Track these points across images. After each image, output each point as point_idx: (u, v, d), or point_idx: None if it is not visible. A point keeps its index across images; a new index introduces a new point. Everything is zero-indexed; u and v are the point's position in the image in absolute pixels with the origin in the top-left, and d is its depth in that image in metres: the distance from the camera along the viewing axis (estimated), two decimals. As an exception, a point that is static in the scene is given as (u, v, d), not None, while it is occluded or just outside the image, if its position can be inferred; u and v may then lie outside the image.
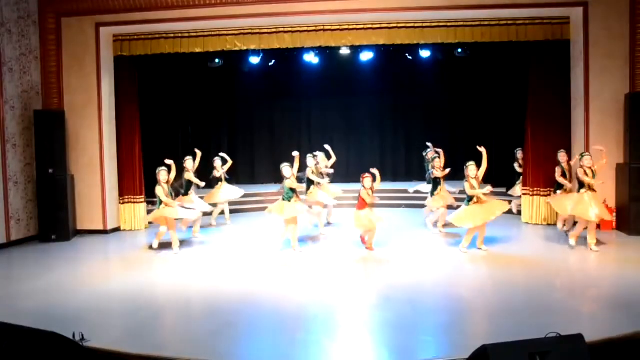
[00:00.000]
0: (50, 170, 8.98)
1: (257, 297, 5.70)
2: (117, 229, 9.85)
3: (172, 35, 9.78)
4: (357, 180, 14.55)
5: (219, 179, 10.04)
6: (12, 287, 6.35)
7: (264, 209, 8.33)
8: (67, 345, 3.81)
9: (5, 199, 8.64)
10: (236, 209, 11.91)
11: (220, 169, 10.04)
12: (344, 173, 14.63)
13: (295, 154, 8.00)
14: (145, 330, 4.80)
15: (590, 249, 7.27)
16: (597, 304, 5.32)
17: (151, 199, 9.76)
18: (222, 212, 10.38)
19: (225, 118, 14.42)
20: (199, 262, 7.41)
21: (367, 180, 7.46)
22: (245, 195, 12.21)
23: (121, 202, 10.02)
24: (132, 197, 10.04)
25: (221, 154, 10.32)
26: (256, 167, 14.75)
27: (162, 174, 7.93)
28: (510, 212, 8.72)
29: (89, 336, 4.24)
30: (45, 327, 3.76)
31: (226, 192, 10.18)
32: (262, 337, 4.63)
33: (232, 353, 4.30)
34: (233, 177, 14.45)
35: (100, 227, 9.58)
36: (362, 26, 9.49)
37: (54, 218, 9.02)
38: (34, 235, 9.13)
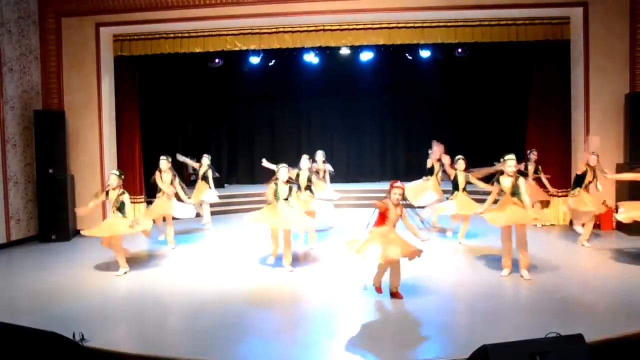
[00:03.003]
0: (50, 170, 8.98)
1: (257, 298, 5.70)
2: (117, 229, 9.84)
3: (172, 35, 9.79)
4: (356, 180, 14.67)
5: (200, 178, 9.78)
6: (12, 287, 6.34)
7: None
8: (67, 345, 3.82)
9: (5, 199, 8.63)
10: (236, 209, 11.93)
11: (206, 167, 9.76)
12: (344, 173, 14.67)
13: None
14: (146, 330, 4.80)
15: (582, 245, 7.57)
16: (597, 304, 5.31)
17: (151, 199, 9.76)
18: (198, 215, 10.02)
19: (225, 118, 14.43)
20: (199, 263, 7.41)
21: (396, 190, 5.31)
22: (245, 196, 12.24)
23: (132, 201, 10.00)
24: (132, 197, 9.95)
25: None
26: (256, 167, 14.71)
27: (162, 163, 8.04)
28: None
29: (89, 336, 4.24)
30: (45, 327, 3.76)
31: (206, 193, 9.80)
32: (262, 337, 4.62)
33: (232, 353, 4.30)
34: (233, 178, 14.52)
35: (100, 227, 9.57)
36: (362, 26, 9.49)
37: (54, 218, 9.02)
38: (34, 235, 9.13)
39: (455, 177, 8.01)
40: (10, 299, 5.74)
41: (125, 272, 6.70)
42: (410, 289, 5.68)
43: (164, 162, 8.13)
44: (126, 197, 6.74)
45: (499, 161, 6.28)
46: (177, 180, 8.20)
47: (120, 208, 6.71)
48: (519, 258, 6.10)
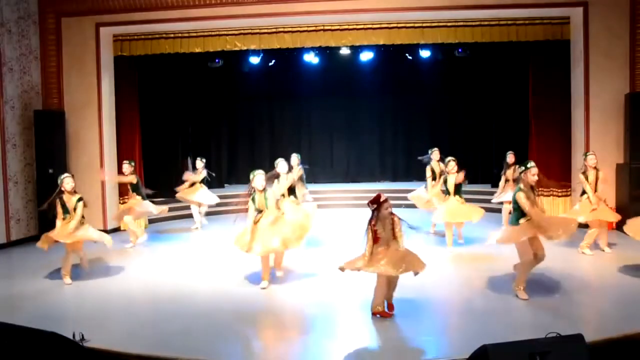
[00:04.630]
0: (50, 170, 8.96)
1: (257, 298, 5.69)
2: (117, 229, 9.84)
3: (172, 35, 9.79)
4: (356, 180, 14.66)
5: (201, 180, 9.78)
6: (12, 287, 6.34)
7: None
8: (67, 345, 3.82)
9: (5, 199, 8.63)
10: (235, 209, 11.91)
11: (202, 170, 9.75)
12: (344, 173, 14.69)
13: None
14: (145, 330, 4.80)
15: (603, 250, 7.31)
16: (597, 304, 5.31)
17: (150, 200, 9.76)
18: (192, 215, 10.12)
19: (225, 118, 14.44)
20: (198, 263, 7.41)
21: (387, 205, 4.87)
22: (245, 196, 12.23)
23: (121, 202, 10.01)
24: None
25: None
26: (256, 168, 14.71)
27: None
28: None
29: (89, 336, 4.24)
30: (45, 327, 3.76)
31: (202, 195, 9.82)
32: (262, 337, 4.63)
33: (232, 353, 4.30)
34: (233, 178, 14.52)
35: (100, 227, 9.49)
36: (362, 26, 9.49)
37: (54, 218, 9.00)
38: (34, 235, 9.10)
39: (446, 180, 7.68)
40: (10, 299, 5.74)
41: (70, 284, 6.25)
42: (410, 290, 5.68)
43: (127, 166, 8.38)
44: (80, 205, 6.32)
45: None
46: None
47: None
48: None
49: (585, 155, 7.39)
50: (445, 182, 7.77)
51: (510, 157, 8.79)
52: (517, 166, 7.31)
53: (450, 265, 6.94)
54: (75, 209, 6.32)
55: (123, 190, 10.01)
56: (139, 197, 8.45)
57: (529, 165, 5.35)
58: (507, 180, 8.76)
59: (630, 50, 8.54)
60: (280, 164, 7.78)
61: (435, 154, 8.98)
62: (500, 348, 3.30)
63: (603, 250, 7.30)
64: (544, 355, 3.24)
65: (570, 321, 4.54)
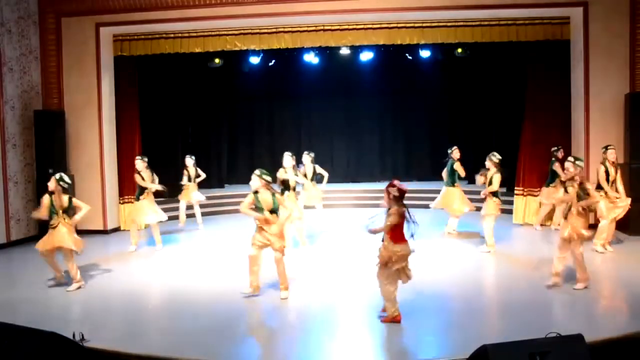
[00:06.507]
0: (50, 170, 8.91)
1: (257, 297, 5.69)
2: (117, 229, 9.85)
3: (172, 35, 9.79)
4: (356, 180, 14.65)
5: (189, 179, 9.74)
6: (12, 287, 6.34)
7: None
8: (67, 345, 3.82)
9: (5, 199, 8.63)
10: (235, 209, 11.89)
11: (192, 167, 9.73)
12: (344, 173, 14.67)
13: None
14: (145, 330, 4.81)
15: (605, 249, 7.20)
16: (597, 304, 5.31)
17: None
18: (193, 215, 10.10)
19: (225, 118, 14.42)
20: (198, 263, 7.41)
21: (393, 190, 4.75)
22: (244, 196, 12.24)
23: (121, 202, 10.03)
24: (132, 197, 10.01)
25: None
26: (256, 168, 14.68)
27: None
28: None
29: (89, 336, 4.24)
30: (45, 327, 3.76)
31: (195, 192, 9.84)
32: (262, 337, 4.63)
33: (232, 353, 4.30)
34: (233, 178, 14.51)
35: (100, 227, 9.57)
36: (362, 26, 9.50)
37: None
38: (34, 235, 9.10)
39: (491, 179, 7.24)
40: (10, 299, 5.74)
41: (80, 287, 6.01)
42: (409, 290, 5.68)
43: (140, 163, 8.03)
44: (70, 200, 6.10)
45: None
46: (155, 177, 8.14)
47: (66, 211, 6.07)
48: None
49: (606, 148, 7.18)
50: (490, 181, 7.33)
51: (560, 153, 8.62)
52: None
53: (449, 265, 6.93)
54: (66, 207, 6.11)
55: (123, 190, 10.02)
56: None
57: (578, 163, 5.54)
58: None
59: (630, 50, 8.53)
60: (285, 158, 7.77)
61: (455, 152, 8.79)
62: (500, 348, 3.30)
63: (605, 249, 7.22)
64: (544, 355, 3.24)
65: (570, 321, 4.54)
